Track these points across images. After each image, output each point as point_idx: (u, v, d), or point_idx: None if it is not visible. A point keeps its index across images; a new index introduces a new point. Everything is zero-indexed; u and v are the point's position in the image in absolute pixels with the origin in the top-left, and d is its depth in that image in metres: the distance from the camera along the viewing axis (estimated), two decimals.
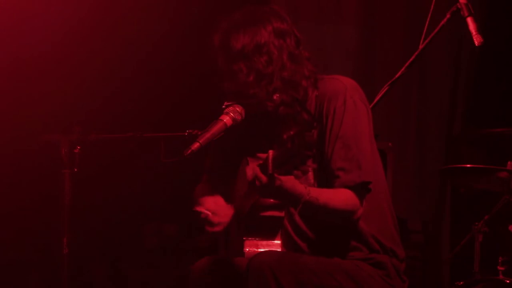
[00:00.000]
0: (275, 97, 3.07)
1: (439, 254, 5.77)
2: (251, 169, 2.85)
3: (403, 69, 3.68)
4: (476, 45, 3.54)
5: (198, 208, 3.13)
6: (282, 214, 3.10)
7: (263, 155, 2.82)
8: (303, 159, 2.71)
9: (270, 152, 2.75)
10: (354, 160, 3.03)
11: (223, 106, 3.11)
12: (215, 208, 3.13)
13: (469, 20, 3.58)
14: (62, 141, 3.75)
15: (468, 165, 4.39)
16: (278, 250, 3.11)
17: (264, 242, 3.09)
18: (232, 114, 3.06)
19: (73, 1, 5.32)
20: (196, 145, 2.97)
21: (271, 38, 3.10)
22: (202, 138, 2.99)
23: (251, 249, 3.07)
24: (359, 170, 3.03)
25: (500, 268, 4.27)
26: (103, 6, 5.40)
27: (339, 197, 3.02)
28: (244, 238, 3.10)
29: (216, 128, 3.03)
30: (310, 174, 3.07)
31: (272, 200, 3.06)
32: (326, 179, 3.07)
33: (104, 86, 5.37)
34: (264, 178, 2.82)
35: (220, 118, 3.06)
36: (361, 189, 3.04)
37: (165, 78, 5.68)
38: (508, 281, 4.16)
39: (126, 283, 5.66)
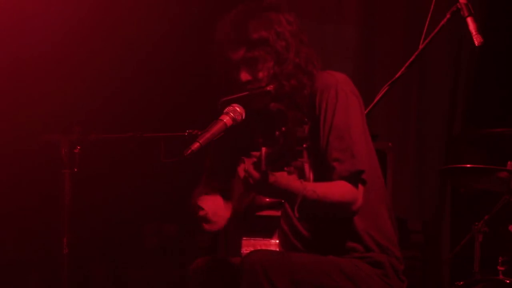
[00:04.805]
0: (269, 88, 3.10)
1: (439, 254, 5.77)
2: (245, 167, 2.86)
3: (403, 69, 3.68)
4: (476, 45, 3.54)
5: (200, 203, 3.16)
6: (278, 213, 3.10)
7: (257, 153, 2.83)
8: (296, 155, 2.71)
9: (263, 149, 2.76)
10: (347, 150, 3.04)
11: (220, 102, 3.11)
12: (214, 208, 3.15)
13: (469, 20, 3.58)
14: (62, 141, 3.76)
15: (468, 165, 4.39)
16: (276, 250, 3.11)
17: (262, 242, 3.09)
18: (232, 114, 3.06)
19: (73, 1, 5.32)
20: (196, 145, 2.97)
21: (285, 25, 3.16)
22: (202, 138, 2.99)
23: (248, 249, 3.07)
24: (353, 158, 3.04)
25: (500, 268, 4.27)
26: (103, 6, 5.40)
27: (336, 188, 3.02)
28: (242, 238, 3.10)
29: (216, 128, 3.03)
30: (306, 169, 3.07)
31: (268, 199, 3.06)
32: (321, 173, 3.07)
33: (104, 86, 5.37)
34: (257, 175, 2.83)
35: (220, 118, 3.06)
36: (357, 178, 3.04)
37: (165, 78, 5.68)
38: (508, 281, 4.16)
39: (126, 283, 5.66)
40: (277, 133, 2.75)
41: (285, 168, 2.75)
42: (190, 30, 5.59)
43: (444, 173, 4.97)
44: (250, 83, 3.14)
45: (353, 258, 3.12)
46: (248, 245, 3.08)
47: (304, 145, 2.69)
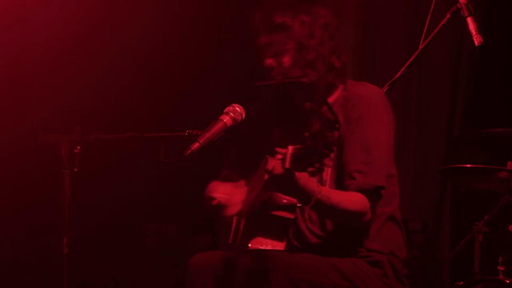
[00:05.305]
0: (304, 79, 3.10)
1: (439, 254, 5.76)
2: (269, 162, 2.86)
3: (403, 69, 3.69)
4: (476, 45, 3.54)
5: (212, 194, 3.20)
6: (292, 216, 3.10)
7: (283, 150, 2.82)
8: (321, 157, 2.71)
9: (290, 147, 2.75)
10: (372, 164, 3.06)
11: (254, 86, 3.12)
12: (227, 193, 3.24)
13: (469, 20, 3.58)
14: (62, 141, 3.75)
15: (468, 165, 4.40)
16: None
17: (270, 242, 3.09)
18: (232, 114, 3.07)
19: (73, 1, 5.32)
20: (196, 145, 2.97)
21: (315, 16, 3.17)
22: (202, 138, 3.00)
23: (254, 245, 3.07)
24: (377, 173, 3.05)
25: (500, 268, 4.27)
26: (103, 6, 5.39)
27: (351, 198, 3.03)
28: (252, 234, 3.10)
29: (216, 128, 3.03)
30: (327, 173, 3.08)
31: (285, 200, 3.06)
32: (340, 180, 3.08)
33: (104, 86, 5.37)
34: (280, 172, 2.82)
35: (220, 118, 3.07)
36: (375, 193, 3.05)
37: (165, 78, 5.68)
38: (508, 281, 4.16)
39: (126, 283, 5.66)
40: (306, 133, 2.76)
41: (308, 169, 2.76)
42: (190, 30, 5.59)
43: (444, 173, 4.97)
44: (274, 69, 3.14)
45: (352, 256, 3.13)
46: (255, 242, 3.08)
47: (334, 148, 2.70)
